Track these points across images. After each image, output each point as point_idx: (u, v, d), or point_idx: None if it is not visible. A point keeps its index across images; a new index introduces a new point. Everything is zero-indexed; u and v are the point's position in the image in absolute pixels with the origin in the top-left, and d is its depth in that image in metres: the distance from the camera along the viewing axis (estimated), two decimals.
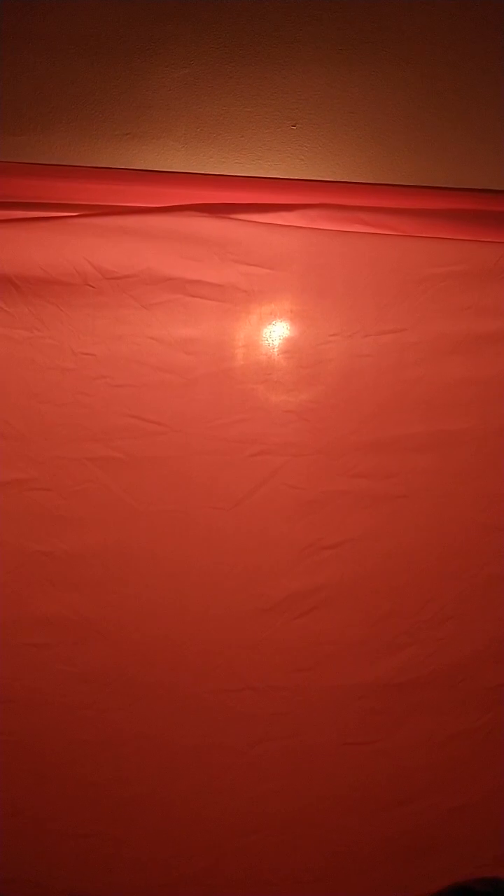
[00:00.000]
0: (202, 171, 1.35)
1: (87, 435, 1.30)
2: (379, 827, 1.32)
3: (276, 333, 1.35)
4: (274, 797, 1.31)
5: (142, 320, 1.31)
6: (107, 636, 1.29)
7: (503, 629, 1.36)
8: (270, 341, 1.34)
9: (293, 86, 1.34)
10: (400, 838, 1.33)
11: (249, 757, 1.31)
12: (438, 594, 1.35)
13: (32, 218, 1.28)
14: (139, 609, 1.30)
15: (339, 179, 1.37)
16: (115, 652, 1.30)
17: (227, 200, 1.33)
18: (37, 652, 1.28)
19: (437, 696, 1.34)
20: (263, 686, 1.32)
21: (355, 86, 1.35)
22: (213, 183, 1.35)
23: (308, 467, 1.33)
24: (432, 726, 1.34)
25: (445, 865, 1.32)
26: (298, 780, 1.32)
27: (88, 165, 1.33)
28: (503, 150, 1.40)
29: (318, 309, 1.35)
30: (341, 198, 1.36)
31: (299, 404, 1.34)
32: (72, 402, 1.30)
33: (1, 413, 1.29)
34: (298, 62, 1.33)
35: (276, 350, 1.35)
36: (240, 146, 1.36)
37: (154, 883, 1.28)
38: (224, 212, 1.32)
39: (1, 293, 1.28)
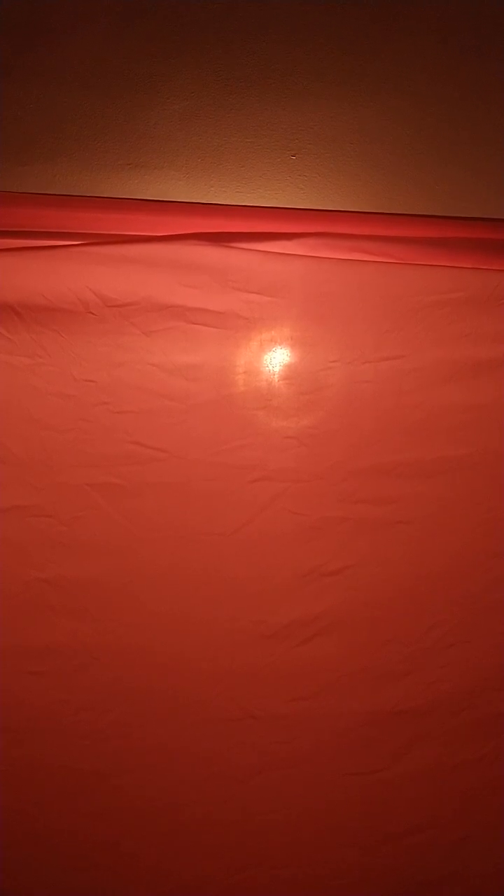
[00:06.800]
0: (203, 201, 1.37)
1: (88, 461, 1.30)
2: (382, 859, 1.30)
3: (277, 360, 1.35)
4: (275, 828, 1.30)
5: (143, 347, 1.31)
6: (107, 664, 1.29)
7: None
8: (271, 368, 1.35)
9: (293, 117, 1.36)
10: (404, 871, 1.31)
11: (250, 787, 1.29)
12: (440, 621, 1.34)
13: (35, 247, 1.29)
14: (139, 636, 1.30)
15: (338, 209, 1.39)
16: (115, 680, 1.29)
17: (227, 229, 1.35)
18: (36, 680, 1.27)
19: (439, 725, 1.33)
20: (264, 714, 1.31)
21: (353, 117, 1.37)
22: (214, 212, 1.36)
23: (308, 493, 1.33)
24: (435, 755, 1.33)
25: None
26: (300, 810, 1.30)
27: (91, 195, 1.34)
28: (499, 179, 1.42)
29: (317, 336, 1.36)
30: (340, 226, 1.38)
31: (299, 430, 1.34)
32: (73, 428, 1.30)
33: (1, 439, 1.29)
34: (298, 94, 1.35)
35: (276, 376, 1.35)
36: (240, 176, 1.38)
37: None
38: (225, 240, 1.33)
39: (3, 320, 1.29)
